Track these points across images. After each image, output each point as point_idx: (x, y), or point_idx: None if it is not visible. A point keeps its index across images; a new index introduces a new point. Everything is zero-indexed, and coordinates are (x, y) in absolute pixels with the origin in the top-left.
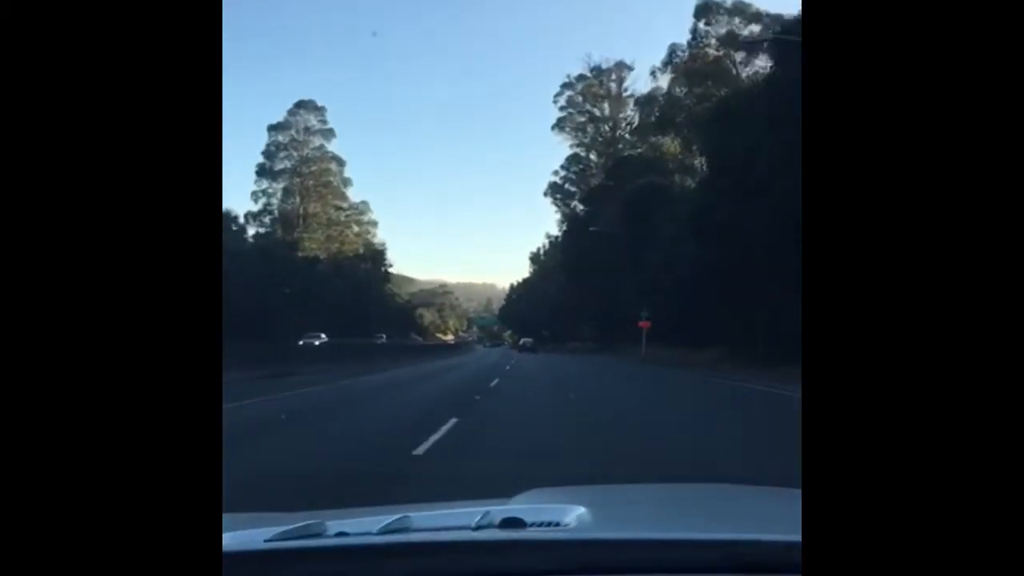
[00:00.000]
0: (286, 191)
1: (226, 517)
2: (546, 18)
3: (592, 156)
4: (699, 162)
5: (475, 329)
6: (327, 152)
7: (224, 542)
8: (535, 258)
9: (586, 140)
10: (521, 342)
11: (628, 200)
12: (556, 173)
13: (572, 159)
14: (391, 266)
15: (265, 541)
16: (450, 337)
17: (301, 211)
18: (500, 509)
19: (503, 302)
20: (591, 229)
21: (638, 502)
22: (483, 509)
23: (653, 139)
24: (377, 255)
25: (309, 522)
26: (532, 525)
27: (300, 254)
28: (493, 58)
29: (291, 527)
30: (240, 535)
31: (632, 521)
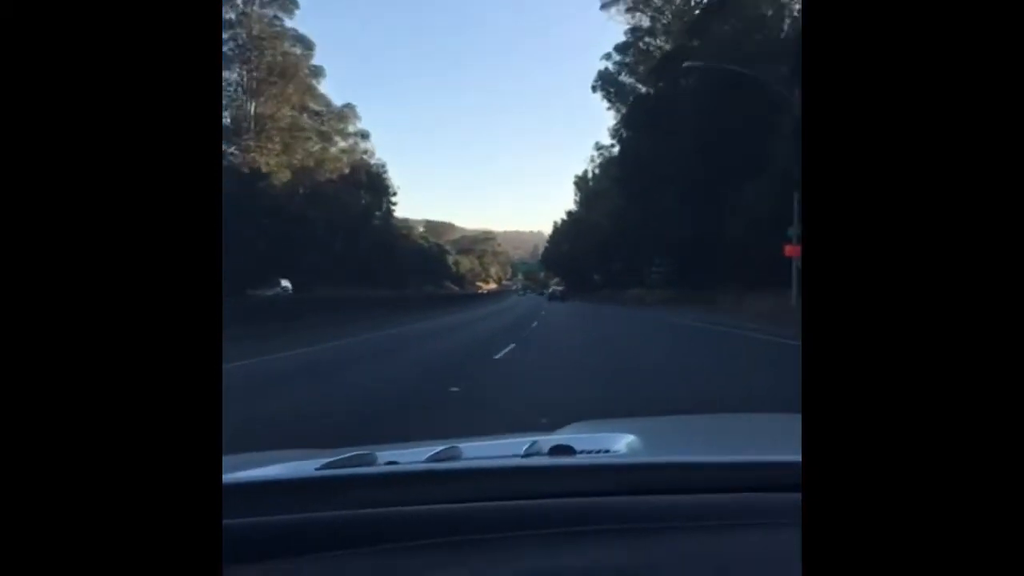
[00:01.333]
0: (236, 87)
1: (275, 453)
2: None
3: (658, 41)
4: None
5: (520, 276)
6: (286, 28)
7: (276, 472)
8: (581, 182)
9: (647, 16)
10: (551, 290)
11: None
12: (608, 58)
13: (631, 40)
14: (395, 193)
15: (316, 470)
16: (492, 286)
17: (253, 112)
18: (548, 439)
19: (547, 245)
20: (687, 65)
21: (687, 430)
22: (531, 439)
23: None
24: (374, 180)
25: (359, 452)
26: (582, 452)
27: (245, 169)
28: None
29: (340, 457)
30: (291, 466)
31: (682, 446)
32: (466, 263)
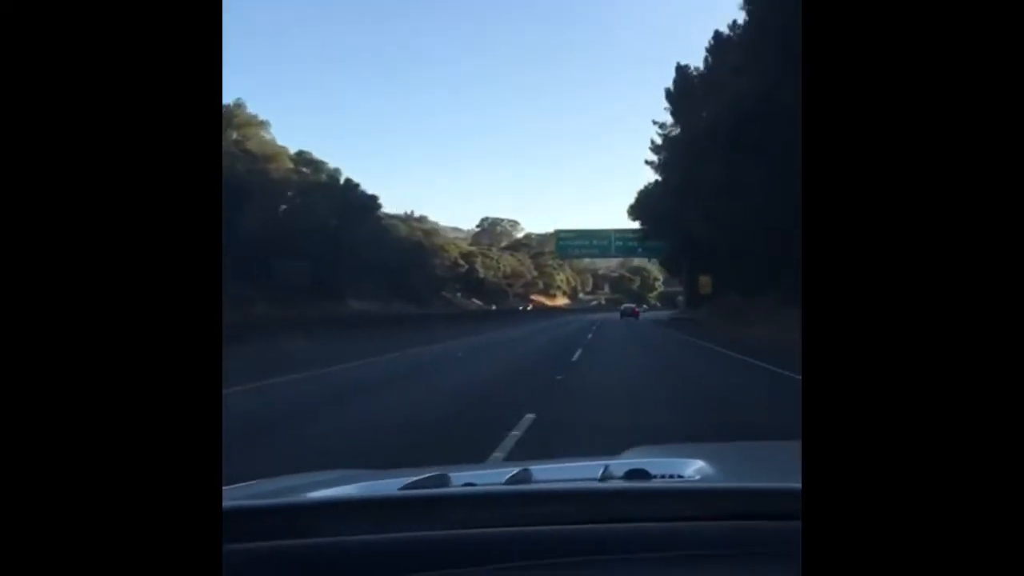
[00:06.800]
0: None
1: (356, 472)
2: None
3: None
4: None
5: (606, 288)
6: None
7: (358, 491)
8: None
9: None
10: (623, 307)
11: None
12: None
13: None
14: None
15: (398, 490)
16: (559, 301)
17: None
18: (619, 463)
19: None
20: None
21: (753, 457)
22: (602, 463)
23: None
24: None
25: (435, 473)
26: (657, 477)
27: None
28: None
29: (418, 478)
30: (372, 485)
31: (751, 473)
32: (510, 263)
